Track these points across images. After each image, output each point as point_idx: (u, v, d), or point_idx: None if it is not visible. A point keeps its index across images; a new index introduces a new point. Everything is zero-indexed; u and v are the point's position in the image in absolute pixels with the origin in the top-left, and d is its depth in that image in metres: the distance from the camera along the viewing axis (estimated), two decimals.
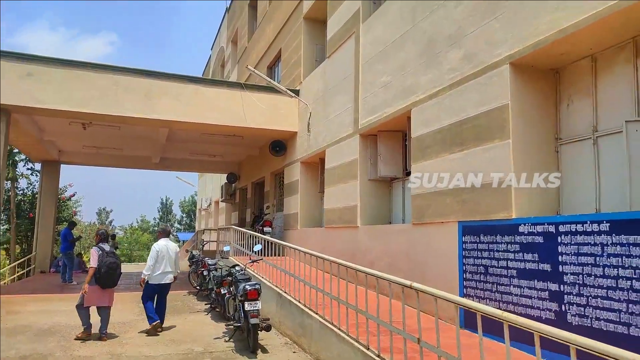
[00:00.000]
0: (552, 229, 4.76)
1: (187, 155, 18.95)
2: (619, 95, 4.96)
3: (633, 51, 4.83)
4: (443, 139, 6.64)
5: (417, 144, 7.27)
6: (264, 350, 6.41)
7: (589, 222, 4.36)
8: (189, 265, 12.65)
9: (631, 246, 3.97)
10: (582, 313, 4.37)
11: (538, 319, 4.74)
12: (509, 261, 5.30)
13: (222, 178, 22.16)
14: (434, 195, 6.76)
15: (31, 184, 20.11)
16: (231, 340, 6.91)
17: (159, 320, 7.42)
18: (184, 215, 62.78)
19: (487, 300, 5.58)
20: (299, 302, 6.71)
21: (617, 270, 4.07)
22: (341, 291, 5.50)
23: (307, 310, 6.37)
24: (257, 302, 6.32)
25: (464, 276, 6.02)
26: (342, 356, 5.19)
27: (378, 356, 4.52)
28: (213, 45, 31.38)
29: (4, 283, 16.43)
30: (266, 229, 13.27)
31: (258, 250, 8.07)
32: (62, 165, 18.22)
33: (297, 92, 12.76)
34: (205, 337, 7.14)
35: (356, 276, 5.09)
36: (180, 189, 75.75)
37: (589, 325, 4.28)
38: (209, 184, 29.06)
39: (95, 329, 7.07)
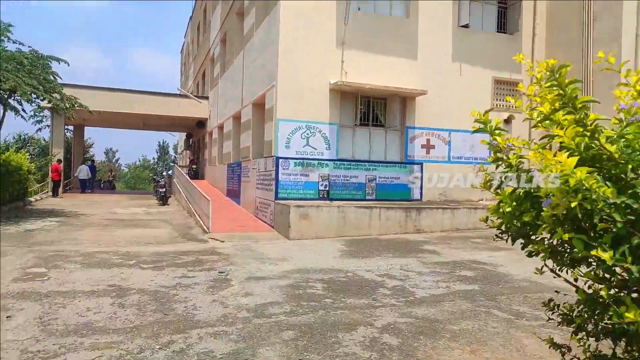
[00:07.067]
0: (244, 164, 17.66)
1: (161, 122, 31.56)
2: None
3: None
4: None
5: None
6: (167, 205, 19.43)
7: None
8: (153, 182, 25.77)
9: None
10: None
11: (235, 190, 17.72)
12: (235, 173, 18.21)
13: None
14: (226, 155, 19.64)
15: (68, 139, 32.89)
16: (158, 204, 19.93)
17: (87, 190, 21.62)
18: (176, 156, 75.87)
19: (234, 186, 18.49)
20: (181, 191, 19.62)
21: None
22: (195, 192, 18.40)
23: (182, 191, 19.28)
24: (163, 189, 19.23)
25: (226, 177, 18.95)
26: (184, 205, 17.99)
27: (189, 212, 17.44)
28: (185, 33, 42.98)
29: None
30: (194, 166, 26.33)
31: (168, 173, 21.02)
32: (85, 127, 31.01)
33: (208, 97, 25.29)
34: (150, 203, 20.21)
35: (191, 187, 17.97)
36: (171, 135, 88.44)
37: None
38: (182, 136, 41.75)
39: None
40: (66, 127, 32.17)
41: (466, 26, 13.80)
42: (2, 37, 12.71)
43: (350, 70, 12.50)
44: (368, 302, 5.48)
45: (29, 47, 13.82)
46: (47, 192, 22.18)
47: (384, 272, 7.08)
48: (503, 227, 2.19)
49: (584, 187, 1.63)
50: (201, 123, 26.26)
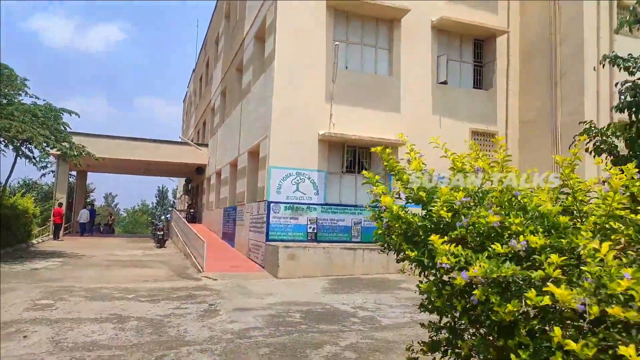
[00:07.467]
0: (235, 208, 18.55)
1: (162, 168, 32.71)
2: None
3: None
4: (224, 180, 20.37)
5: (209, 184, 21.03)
6: (165, 247, 20.17)
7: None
8: (151, 226, 26.56)
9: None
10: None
11: (230, 233, 18.53)
12: (230, 217, 19.07)
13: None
14: (223, 199, 20.57)
15: (70, 184, 33.93)
16: (155, 246, 20.67)
17: (86, 233, 22.32)
18: (175, 200, 76.86)
19: (229, 229, 19.32)
20: (178, 234, 20.43)
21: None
22: (189, 233, 19.26)
23: (179, 234, 20.08)
24: (161, 232, 20.06)
25: (222, 221, 19.79)
26: (181, 248, 18.79)
27: (185, 254, 18.25)
28: (188, 84, 44.98)
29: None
30: (192, 210, 27.20)
31: (166, 217, 21.88)
32: (88, 172, 32.10)
33: (207, 144, 26.51)
34: (147, 246, 20.95)
35: (188, 229, 18.84)
36: (171, 180, 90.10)
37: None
38: (181, 182, 42.89)
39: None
40: (70, 172, 33.35)
41: (444, 83, 15.07)
42: (20, 92, 13.94)
43: (338, 122, 13.64)
44: (338, 327, 6.24)
45: (43, 100, 15.06)
46: (48, 235, 22.94)
47: (358, 305, 7.85)
48: (385, 245, 3.14)
49: (403, 215, 2.64)
50: (200, 169, 27.34)
